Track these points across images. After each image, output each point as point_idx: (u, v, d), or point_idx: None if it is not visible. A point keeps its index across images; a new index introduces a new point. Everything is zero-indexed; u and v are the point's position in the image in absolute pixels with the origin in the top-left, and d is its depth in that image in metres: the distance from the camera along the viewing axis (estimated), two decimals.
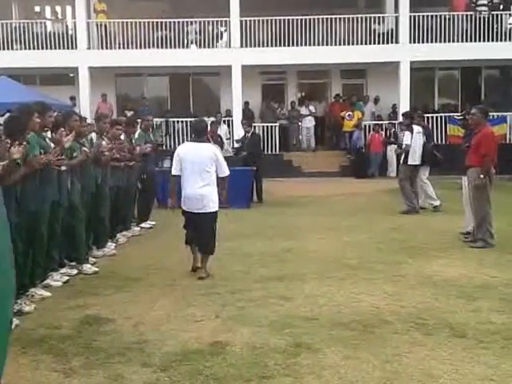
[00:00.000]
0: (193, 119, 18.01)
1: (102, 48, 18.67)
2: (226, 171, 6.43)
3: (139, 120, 9.66)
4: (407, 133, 10.60)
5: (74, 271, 6.33)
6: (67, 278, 6.08)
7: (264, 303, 5.22)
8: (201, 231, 6.40)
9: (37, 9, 20.01)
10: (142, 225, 9.29)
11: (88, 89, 18.38)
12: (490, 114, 8.52)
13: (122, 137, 8.30)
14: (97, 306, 5.19)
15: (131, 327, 4.65)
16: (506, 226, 8.32)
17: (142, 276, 6.28)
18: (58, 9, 20.20)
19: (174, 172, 6.42)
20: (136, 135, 9.20)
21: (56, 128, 5.81)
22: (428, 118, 18.45)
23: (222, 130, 15.53)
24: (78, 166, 6.41)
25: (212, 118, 16.54)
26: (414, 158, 10.50)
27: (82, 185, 6.52)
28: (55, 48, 18.37)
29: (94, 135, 7.29)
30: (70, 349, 4.20)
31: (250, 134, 12.58)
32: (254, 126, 14.86)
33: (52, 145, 5.62)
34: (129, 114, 16.35)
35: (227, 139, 15.54)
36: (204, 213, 6.32)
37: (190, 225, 6.50)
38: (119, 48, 18.65)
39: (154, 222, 9.55)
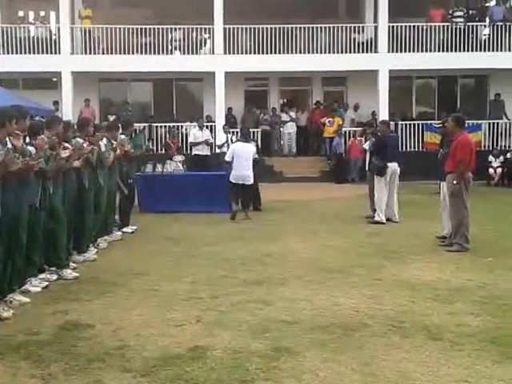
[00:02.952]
0: (175, 124, 18.42)
1: (86, 53, 18.59)
2: (256, 156, 11.02)
3: (120, 125, 9.64)
4: (372, 139, 10.86)
5: (54, 276, 6.28)
6: (46, 283, 6.02)
7: (245, 307, 5.25)
8: (243, 194, 10.83)
9: (20, 13, 19.82)
10: (124, 229, 9.27)
11: (71, 94, 18.31)
12: (466, 121, 8.62)
13: (104, 141, 8.30)
14: (76, 312, 5.16)
15: (111, 332, 4.64)
16: (478, 230, 8.45)
17: (122, 281, 6.26)
18: (42, 14, 20.06)
19: (227, 159, 10.79)
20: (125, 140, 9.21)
21: (34, 133, 5.79)
22: (406, 125, 18.76)
23: (205, 135, 15.59)
24: (62, 166, 6.37)
25: (194, 123, 16.62)
26: None
27: (64, 189, 6.51)
28: (38, 53, 18.22)
29: (79, 140, 7.25)
30: (49, 355, 4.17)
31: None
32: (237, 132, 14.92)
33: (30, 148, 5.60)
34: (111, 118, 16.30)
35: (209, 144, 15.61)
36: (247, 184, 10.69)
37: (235, 191, 10.74)
38: (103, 53, 18.61)
39: (135, 227, 9.54)
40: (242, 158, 10.60)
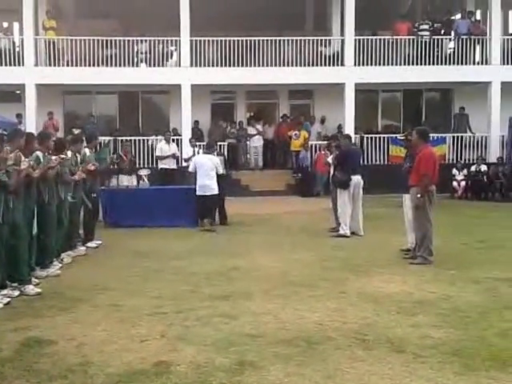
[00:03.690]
0: (141, 138, 18.32)
1: (50, 65, 18.35)
2: (220, 171, 11.22)
3: (84, 138, 9.54)
4: (336, 153, 10.90)
5: (16, 292, 6.16)
6: (8, 299, 5.91)
7: (210, 322, 5.24)
8: (207, 205, 11.05)
9: None
10: (88, 244, 9.15)
11: (35, 106, 18.05)
12: (430, 135, 8.78)
13: (69, 154, 8.21)
14: (39, 328, 5.08)
15: (74, 349, 4.57)
16: (441, 242, 8.57)
17: (86, 297, 6.18)
18: (5, 25, 19.77)
19: (191, 170, 11.38)
20: (87, 153, 9.11)
21: None
22: (371, 138, 19.03)
23: (172, 149, 15.53)
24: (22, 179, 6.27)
25: (161, 137, 16.53)
26: None
27: (25, 203, 6.40)
28: (1, 64, 17.94)
29: (39, 153, 7.16)
30: (10, 372, 4.10)
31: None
32: (203, 145, 14.90)
33: None
34: (76, 131, 16.11)
35: (175, 158, 15.55)
36: (210, 195, 10.94)
37: (201, 203, 11.01)
38: (67, 65, 18.41)
39: (100, 242, 9.44)
40: (204, 168, 10.99)
